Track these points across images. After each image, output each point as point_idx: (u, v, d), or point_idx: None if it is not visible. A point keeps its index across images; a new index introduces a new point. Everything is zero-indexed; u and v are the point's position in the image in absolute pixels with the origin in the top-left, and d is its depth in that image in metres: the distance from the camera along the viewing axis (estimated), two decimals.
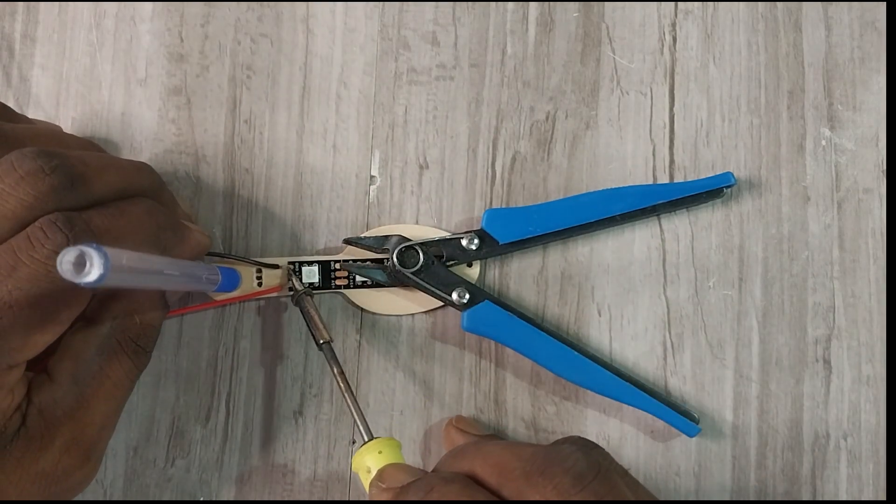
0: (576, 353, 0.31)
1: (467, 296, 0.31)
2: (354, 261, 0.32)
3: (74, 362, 0.26)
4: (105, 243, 0.23)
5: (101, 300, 0.26)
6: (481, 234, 0.31)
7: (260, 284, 0.31)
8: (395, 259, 0.31)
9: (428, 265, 0.31)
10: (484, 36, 0.34)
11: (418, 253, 0.31)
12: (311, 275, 0.31)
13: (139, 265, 0.21)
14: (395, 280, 0.31)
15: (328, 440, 0.32)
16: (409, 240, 0.31)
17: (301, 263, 0.31)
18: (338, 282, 0.32)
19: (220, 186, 0.33)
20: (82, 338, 0.26)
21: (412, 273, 0.31)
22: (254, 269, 0.31)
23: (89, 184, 0.24)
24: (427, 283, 0.31)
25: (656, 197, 0.32)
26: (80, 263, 0.18)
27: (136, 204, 0.25)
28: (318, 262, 0.32)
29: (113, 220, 0.24)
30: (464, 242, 0.31)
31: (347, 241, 0.32)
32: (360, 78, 0.34)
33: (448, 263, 0.31)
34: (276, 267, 0.31)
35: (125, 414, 0.32)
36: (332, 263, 0.32)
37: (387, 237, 0.31)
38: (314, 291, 0.31)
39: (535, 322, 0.31)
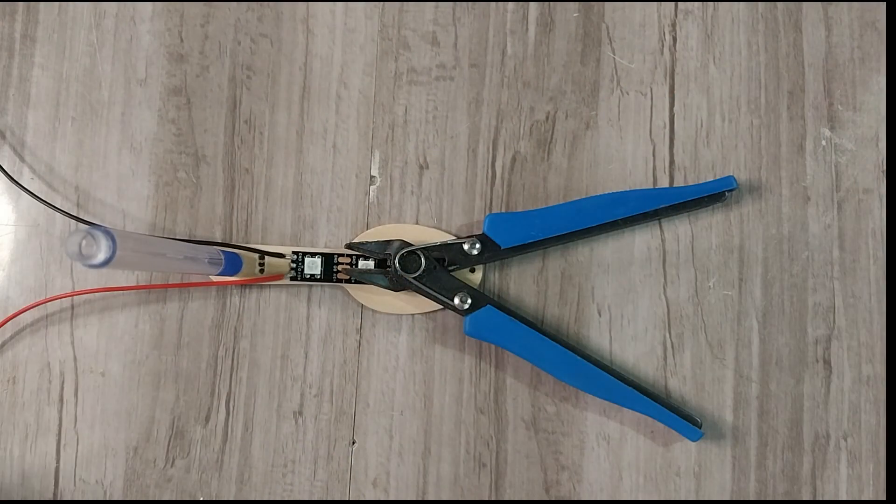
0: (577, 357, 0.31)
1: (469, 300, 0.31)
2: (355, 263, 0.32)
3: None
4: None
5: None
6: (483, 239, 0.31)
7: (261, 271, 0.31)
8: (396, 264, 0.31)
9: (430, 270, 0.31)
10: (484, 36, 0.34)
11: (420, 258, 0.31)
12: (314, 266, 0.32)
13: (143, 248, 0.21)
14: (398, 285, 0.31)
15: (328, 440, 0.32)
16: (411, 245, 0.31)
17: (305, 254, 0.32)
18: (340, 275, 0.32)
19: (220, 186, 0.33)
20: None
21: (414, 278, 0.31)
22: (256, 255, 0.31)
23: None
24: (429, 287, 0.31)
25: (658, 201, 0.32)
26: (88, 246, 0.19)
27: None
28: (321, 254, 0.32)
29: None
30: (465, 247, 0.31)
31: (349, 247, 0.32)
32: (360, 78, 0.33)
33: (450, 268, 0.31)
34: (281, 256, 0.31)
35: (125, 414, 0.32)
36: (336, 257, 0.32)
37: (388, 242, 0.31)
38: (316, 283, 0.31)
39: (536, 326, 0.31)
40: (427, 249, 0.31)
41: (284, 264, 0.32)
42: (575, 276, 0.33)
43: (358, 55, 0.34)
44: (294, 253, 0.32)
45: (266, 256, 0.31)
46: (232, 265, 0.30)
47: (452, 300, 0.31)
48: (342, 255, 0.32)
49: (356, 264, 0.32)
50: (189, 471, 0.32)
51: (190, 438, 0.32)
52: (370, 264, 0.32)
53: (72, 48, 0.34)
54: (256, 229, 0.33)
